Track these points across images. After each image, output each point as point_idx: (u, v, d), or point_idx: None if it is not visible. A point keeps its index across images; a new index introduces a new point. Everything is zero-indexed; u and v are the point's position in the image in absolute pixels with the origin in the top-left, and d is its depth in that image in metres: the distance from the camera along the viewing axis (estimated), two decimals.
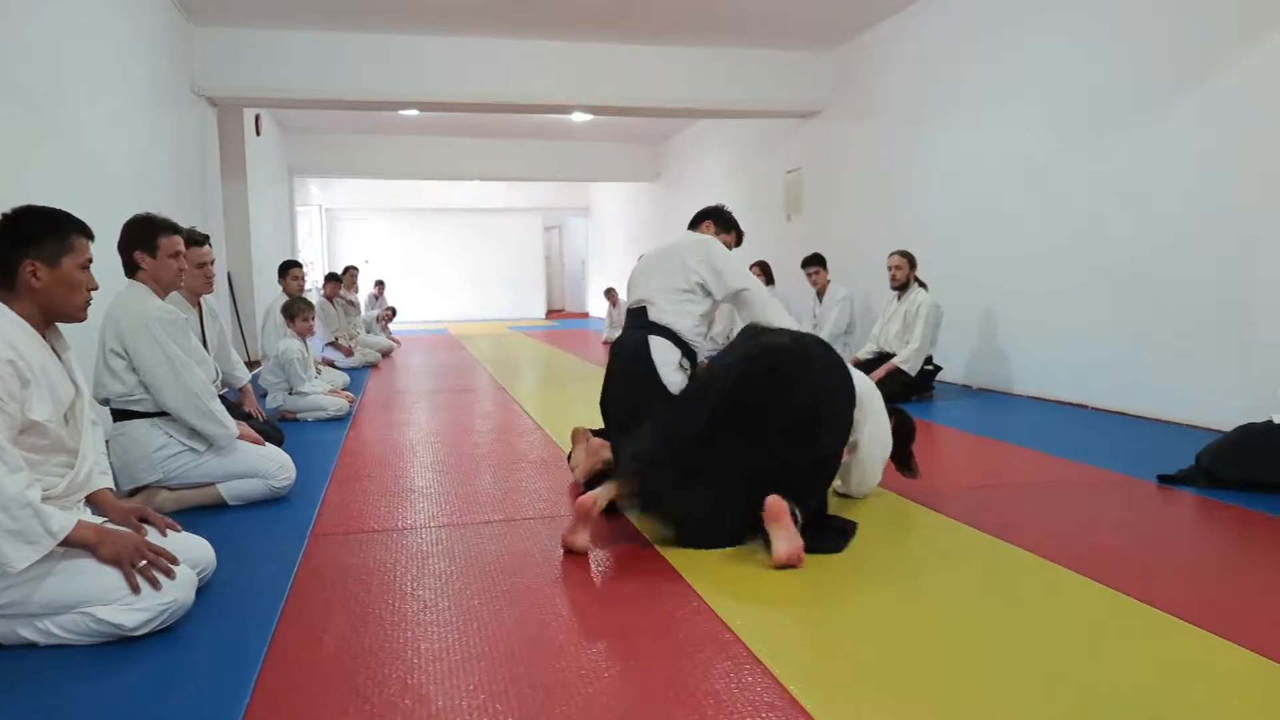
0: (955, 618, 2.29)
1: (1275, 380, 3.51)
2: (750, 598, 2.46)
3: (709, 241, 3.68)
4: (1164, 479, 3.64)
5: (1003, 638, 2.16)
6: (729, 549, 2.82)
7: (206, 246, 4.19)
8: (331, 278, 9.96)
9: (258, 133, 10.36)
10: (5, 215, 2.27)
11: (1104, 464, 3.97)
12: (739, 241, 4.00)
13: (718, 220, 3.92)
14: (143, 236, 3.32)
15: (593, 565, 2.74)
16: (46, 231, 2.26)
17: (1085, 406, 5.60)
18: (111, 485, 2.59)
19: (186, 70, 7.25)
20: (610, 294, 12.41)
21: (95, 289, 2.37)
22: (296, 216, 14.58)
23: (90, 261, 2.35)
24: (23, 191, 3.69)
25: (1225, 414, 4.38)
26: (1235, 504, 3.30)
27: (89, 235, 2.36)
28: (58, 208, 2.34)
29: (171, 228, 3.38)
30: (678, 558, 2.76)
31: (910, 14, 7.38)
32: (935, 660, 2.04)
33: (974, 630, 2.21)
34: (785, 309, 3.67)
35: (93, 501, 2.48)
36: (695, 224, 3.95)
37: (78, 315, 2.35)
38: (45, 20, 4.43)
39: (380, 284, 13.62)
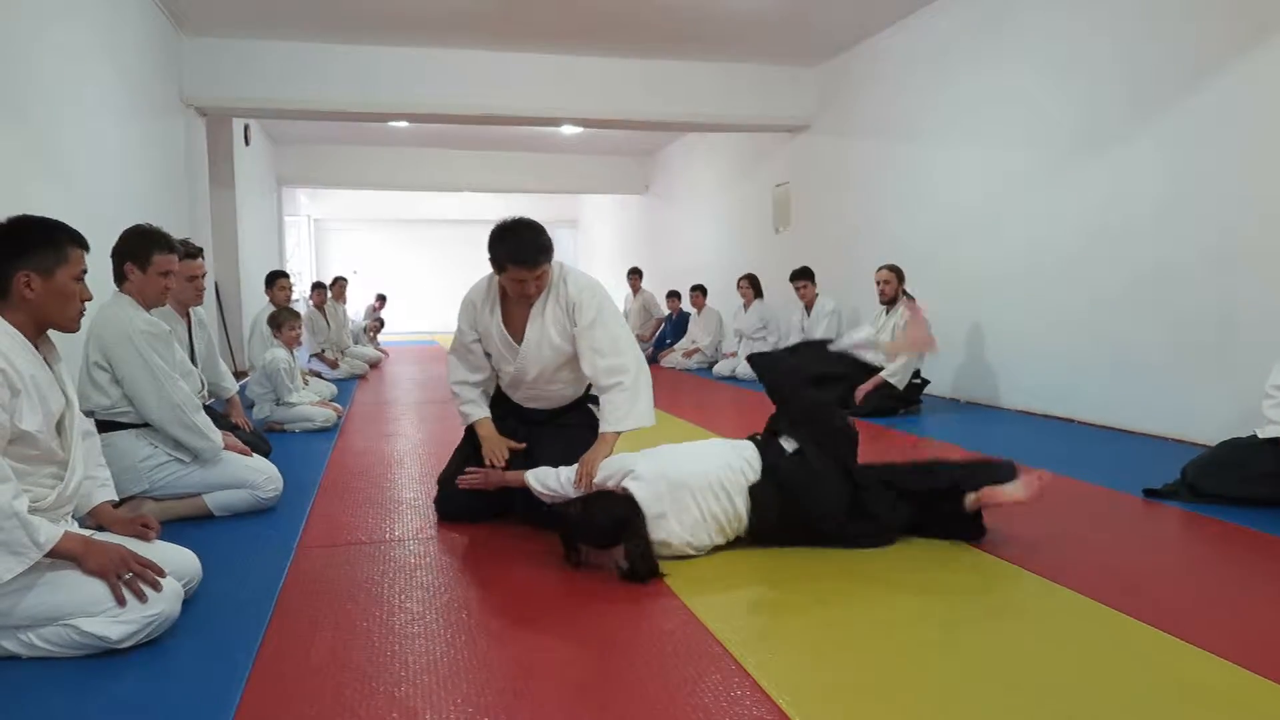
0: (943, 631, 2.30)
1: (1259, 395, 3.53)
2: (739, 611, 2.47)
3: None
4: (1149, 493, 3.65)
5: (990, 651, 2.16)
6: (720, 561, 2.83)
7: (199, 260, 4.18)
8: (318, 286, 9.88)
9: (247, 143, 10.33)
10: (0, 225, 2.26)
11: (1090, 478, 3.98)
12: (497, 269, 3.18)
13: None
14: (138, 249, 3.29)
15: (582, 579, 2.73)
16: (42, 242, 2.26)
17: (1072, 421, 5.63)
18: (113, 497, 2.58)
19: (175, 80, 7.23)
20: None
21: (89, 300, 2.37)
22: (285, 227, 14.54)
23: (84, 272, 2.35)
24: (9, 201, 3.67)
25: (1211, 429, 4.42)
26: (1220, 518, 3.32)
27: (84, 246, 2.35)
28: (52, 218, 2.34)
29: (168, 245, 3.35)
30: (668, 572, 2.75)
31: (896, 31, 7.43)
32: (924, 673, 2.04)
33: (962, 643, 2.21)
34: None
35: (94, 516, 2.48)
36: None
37: (71, 326, 2.35)
38: (32, 29, 4.42)
39: (381, 297, 13.57)
